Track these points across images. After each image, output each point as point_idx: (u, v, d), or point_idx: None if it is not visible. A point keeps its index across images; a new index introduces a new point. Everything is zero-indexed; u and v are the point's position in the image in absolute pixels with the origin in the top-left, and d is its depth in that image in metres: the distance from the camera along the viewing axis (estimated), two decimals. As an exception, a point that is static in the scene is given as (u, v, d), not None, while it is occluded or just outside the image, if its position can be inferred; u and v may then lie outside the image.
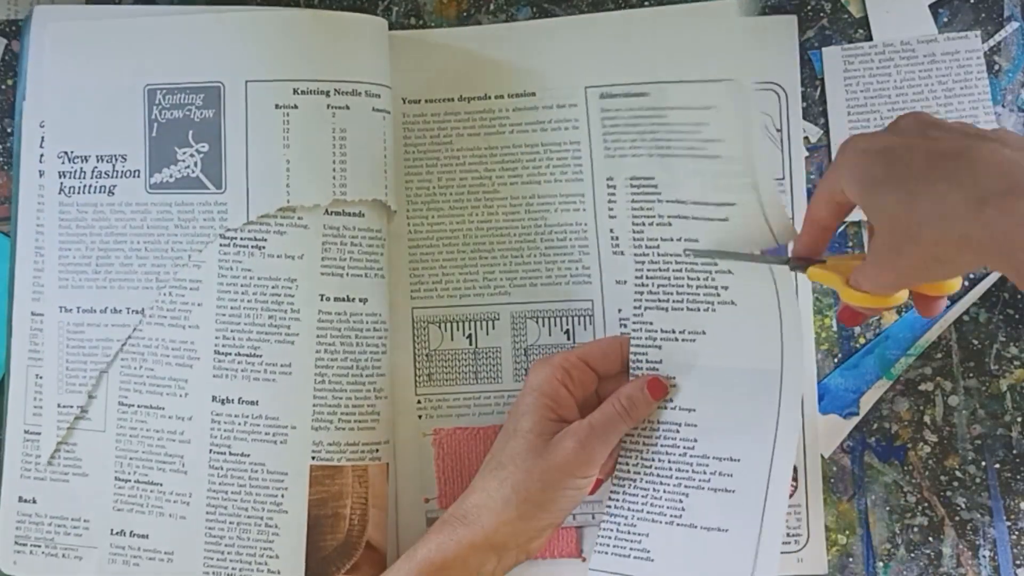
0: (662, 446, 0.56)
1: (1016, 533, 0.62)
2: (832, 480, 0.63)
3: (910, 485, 0.63)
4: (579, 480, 0.54)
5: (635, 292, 0.58)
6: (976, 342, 0.63)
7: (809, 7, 0.65)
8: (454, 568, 0.52)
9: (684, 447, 0.56)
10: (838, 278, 0.49)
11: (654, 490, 0.56)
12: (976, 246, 0.39)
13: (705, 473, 0.55)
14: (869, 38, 0.65)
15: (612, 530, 0.57)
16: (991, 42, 0.64)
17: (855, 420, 0.63)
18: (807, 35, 0.65)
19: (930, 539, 0.63)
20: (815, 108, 0.65)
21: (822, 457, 0.63)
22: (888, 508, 0.63)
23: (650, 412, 0.56)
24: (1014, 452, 0.63)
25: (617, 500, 0.57)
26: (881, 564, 0.63)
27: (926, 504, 0.63)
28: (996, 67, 0.65)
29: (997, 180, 0.39)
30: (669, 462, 0.56)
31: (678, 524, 0.55)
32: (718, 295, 0.56)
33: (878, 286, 0.46)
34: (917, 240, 0.41)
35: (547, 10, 0.65)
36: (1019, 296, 0.63)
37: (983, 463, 0.63)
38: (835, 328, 0.64)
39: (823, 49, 0.64)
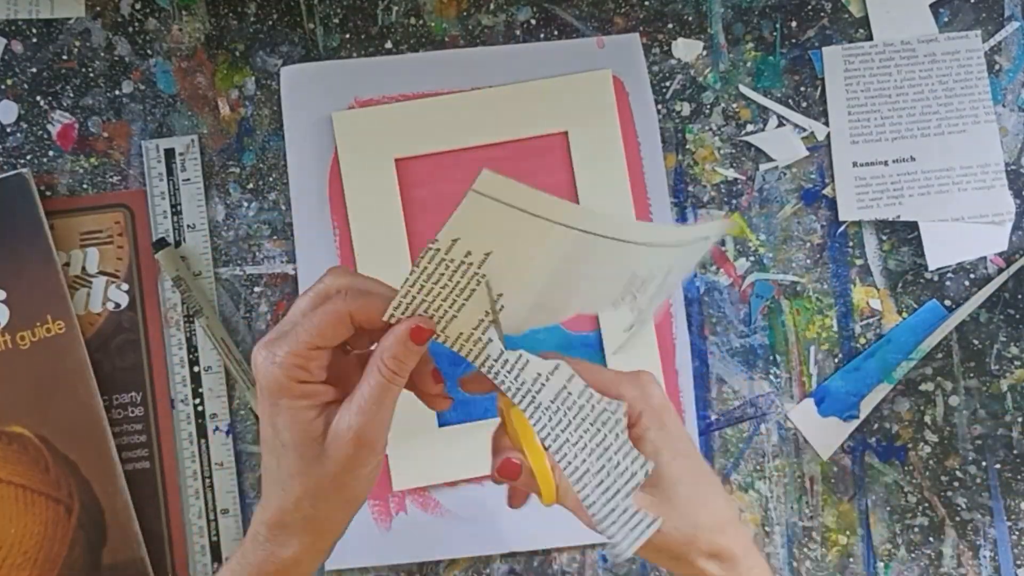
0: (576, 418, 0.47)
1: (1016, 533, 0.62)
2: (832, 480, 0.63)
3: (911, 485, 0.63)
4: (371, 464, 0.46)
5: None
6: (977, 342, 0.63)
7: (809, 7, 0.65)
8: None
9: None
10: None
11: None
12: None
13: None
14: (869, 38, 0.64)
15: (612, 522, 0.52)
16: (991, 41, 0.64)
17: (855, 423, 0.63)
18: (807, 35, 0.65)
19: (931, 539, 0.63)
20: (815, 108, 0.64)
21: (822, 458, 0.63)
22: (889, 508, 0.63)
23: (419, 359, 0.46)
24: (1015, 452, 0.63)
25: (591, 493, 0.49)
26: (882, 564, 0.62)
27: (927, 504, 0.63)
28: (997, 67, 0.64)
29: None
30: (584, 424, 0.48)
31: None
32: None
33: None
34: None
35: (547, 10, 0.65)
36: (1020, 296, 0.63)
37: (984, 463, 0.63)
38: (835, 328, 0.64)
39: (824, 49, 0.64)
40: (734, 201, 0.64)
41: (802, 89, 0.65)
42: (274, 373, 0.44)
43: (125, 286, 0.63)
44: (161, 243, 0.62)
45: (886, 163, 0.64)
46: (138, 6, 0.64)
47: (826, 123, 0.64)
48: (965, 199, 0.64)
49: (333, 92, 0.64)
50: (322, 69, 0.64)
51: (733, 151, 0.64)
